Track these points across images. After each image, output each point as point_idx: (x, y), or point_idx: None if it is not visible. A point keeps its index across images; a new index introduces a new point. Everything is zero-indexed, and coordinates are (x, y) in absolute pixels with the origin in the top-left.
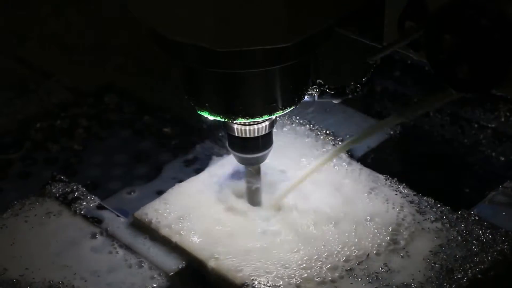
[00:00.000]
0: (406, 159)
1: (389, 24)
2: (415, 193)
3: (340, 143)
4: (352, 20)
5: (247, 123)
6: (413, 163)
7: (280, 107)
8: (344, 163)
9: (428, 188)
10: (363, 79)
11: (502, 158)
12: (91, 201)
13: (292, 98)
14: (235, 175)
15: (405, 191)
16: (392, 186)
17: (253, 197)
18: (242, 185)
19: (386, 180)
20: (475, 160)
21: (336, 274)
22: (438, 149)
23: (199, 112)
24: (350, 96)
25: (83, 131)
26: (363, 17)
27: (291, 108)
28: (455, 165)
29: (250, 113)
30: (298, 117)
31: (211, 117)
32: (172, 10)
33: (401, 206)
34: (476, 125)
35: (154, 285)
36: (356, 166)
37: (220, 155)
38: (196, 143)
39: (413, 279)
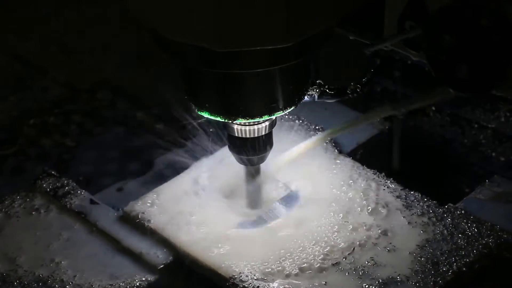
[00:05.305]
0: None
1: (389, 24)
2: (402, 187)
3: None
4: (352, 20)
5: (247, 124)
6: (412, 162)
7: (280, 107)
8: (332, 157)
9: (427, 188)
10: (363, 79)
11: (502, 158)
12: (82, 196)
13: (292, 98)
14: (227, 172)
15: (393, 185)
16: (380, 181)
17: (252, 197)
18: (234, 180)
19: (374, 174)
20: (475, 160)
21: (323, 268)
22: (437, 149)
23: (199, 113)
24: (350, 97)
25: (76, 127)
26: (363, 17)
27: (291, 109)
28: (454, 165)
29: (250, 114)
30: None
31: (211, 118)
32: (172, 10)
33: (388, 201)
34: (476, 125)
35: (143, 279)
36: (344, 160)
37: (211, 151)
38: (188, 139)
39: (399, 273)
